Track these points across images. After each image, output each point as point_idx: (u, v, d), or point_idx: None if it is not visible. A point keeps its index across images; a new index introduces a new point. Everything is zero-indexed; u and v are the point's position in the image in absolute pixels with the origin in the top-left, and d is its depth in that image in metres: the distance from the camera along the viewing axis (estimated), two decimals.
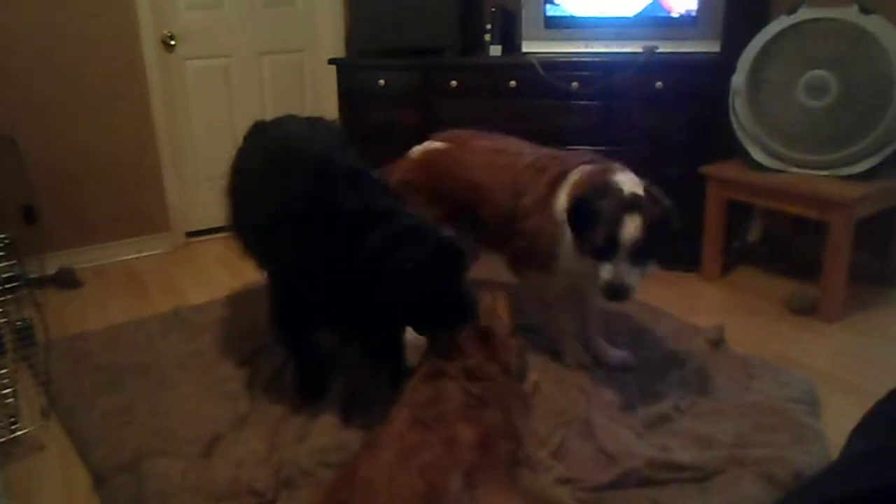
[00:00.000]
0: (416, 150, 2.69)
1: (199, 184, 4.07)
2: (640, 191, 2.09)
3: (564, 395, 2.32)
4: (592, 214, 2.06)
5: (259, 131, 2.54)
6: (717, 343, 2.60)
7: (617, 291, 2.06)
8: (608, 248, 2.05)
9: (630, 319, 2.85)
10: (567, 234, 2.21)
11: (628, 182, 2.12)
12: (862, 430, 0.89)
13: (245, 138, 2.56)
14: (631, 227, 2.01)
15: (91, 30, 3.54)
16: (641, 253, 2.05)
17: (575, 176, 2.27)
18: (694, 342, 2.62)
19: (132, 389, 2.44)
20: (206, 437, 2.12)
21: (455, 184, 2.54)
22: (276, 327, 2.33)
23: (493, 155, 2.52)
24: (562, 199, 2.25)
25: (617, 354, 2.55)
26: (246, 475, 1.93)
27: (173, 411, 2.30)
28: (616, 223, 2.02)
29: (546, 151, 2.46)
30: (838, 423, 2.15)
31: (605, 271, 2.06)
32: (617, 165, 2.23)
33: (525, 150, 2.49)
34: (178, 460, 2.01)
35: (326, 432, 2.13)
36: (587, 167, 2.27)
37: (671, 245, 2.14)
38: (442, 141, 2.66)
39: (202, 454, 2.06)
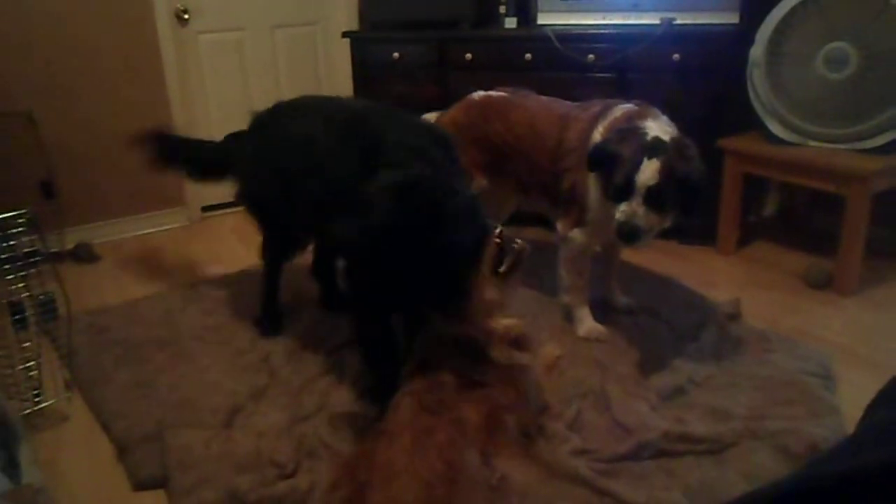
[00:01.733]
0: (478, 93, 2.84)
1: None
2: (665, 137, 2.13)
3: (580, 368, 2.33)
4: (611, 156, 2.13)
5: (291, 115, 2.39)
6: (734, 317, 2.61)
7: (627, 232, 2.10)
8: (624, 190, 2.10)
9: (646, 292, 2.86)
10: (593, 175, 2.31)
11: (656, 127, 2.17)
12: (878, 404, 0.90)
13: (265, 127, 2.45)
14: (648, 170, 2.05)
15: (105, 4, 3.53)
16: (660, 199, 2.09)
17: (616, 113, 2.34)
18: (710, 316, 2.63)
19: (151, 362, 2.48)
20: (227, 409, 2.16)
21: (508, 124, 2.65)
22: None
23: (547, 101, 2.67)
24: (598, 132, 2.32)
25: (623, 299, 2.77)
26: (267, 447, 1.96)
27: (193, 384, 2.33)
28: (634, 165, 2.07)
29: (594, 100, 2.54)
30: (853, 396, 2.16)
31: (619, 212, 2.12)
32: (654, 110, 2.28)
33: (575, 103, 2.60)
34: (200, 431, 2.04)
35: (345, 403, 2.16)
36: (629, 107, 2.33)
37: (697, 201, 2.17)
38: (502, 90, 2.82)
39: (223, 425, 2.09)
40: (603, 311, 2.69)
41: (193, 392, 2.28)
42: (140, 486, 1.91)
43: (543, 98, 2.71)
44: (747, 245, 3.37)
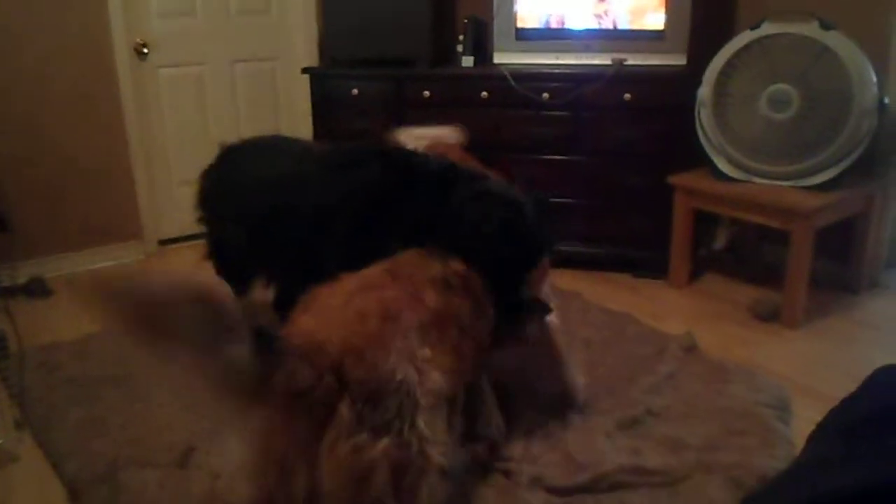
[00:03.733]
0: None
1: (171, 191, 4.05)
2: None
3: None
4: None
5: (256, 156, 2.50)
6: (690, 349, 2.68)
7: None
8: None
9: (602, 325, 2.91)
10: None
11: None
12: (814, 439, 0.94)
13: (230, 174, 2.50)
14: None
15: (63, 38, 3.52)
16: None
17: None
18: (666, 347, 2.69)
19: (105, 401, 2.44)
20: (181, 448, 2.13)
21: None
22: None
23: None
24: None
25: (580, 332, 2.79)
26: (223, 487, 1.94)
27: (146, 422, 2.30)
28: None
29: None
30: (799, 426, 2.23)
31: None
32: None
33: None
34: (153, 471, 2.02)
35: None
36: None
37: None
38: None
39: (177, 465, 2.06)
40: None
41: (147, 430, 2.25)
42: None
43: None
44: (698, 278, 3.45)
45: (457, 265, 1.83)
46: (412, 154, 2.22)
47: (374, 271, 1.74)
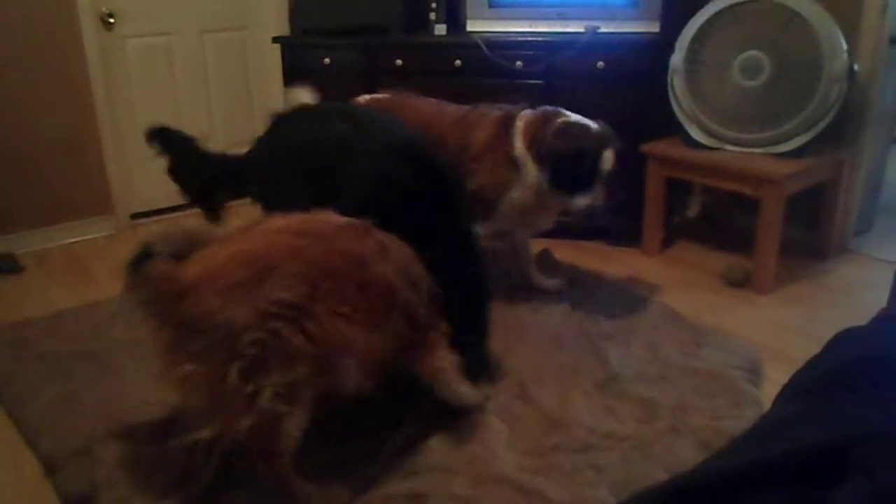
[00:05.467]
0: (363, 97, 2.92)
1: (142, 164, 3.98)
2: (601, 128, 2.46)
3: (514, 358, 2.43)
4: (574, 153, 2.40)
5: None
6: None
7: (597, 214, 2.47)
8: (587, 180, 2.43)
9: (578, 288, 2.97)
10: (523, 173, 2.51)
11: (589, 121, 2.48)
12: (777, 400, 0.97)
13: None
14: (609, 159, 2.45)
15: (27, 8, 3.43)
16: (611, 181, 2.47)
17: (521, 120, 2.55)
18: (642, 311, 2.75)
19: (78, 377, 2.42)
20: (157, 423, 2.13)
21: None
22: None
23: (436, 104, 2.82)
24: (518, 141, 2.53)
25: (550, 281, 2.96)
26: (199, 461, 1.94)
27: (122, 397, 2.29)
28: (597, 156, 2.43)
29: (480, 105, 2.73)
30: (768, 390, 2.27)
31: (585, 199, 2.47)
32: (561, 109, 2.54)
33: (462, 106, 2.77)
34: (130, 446, 2.02)
35: None
36: (529, 112, 2.57)
37: None
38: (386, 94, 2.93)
39: (154, 440, 2.06)
40: (540, 299, 2.84)
41: (123, 406, 2.24)
42: (69, 503, 1.88)
43: (430, 100, 2.83)
44: (671, 246, 3.49)
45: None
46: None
47: (319, 220, 1.84)
